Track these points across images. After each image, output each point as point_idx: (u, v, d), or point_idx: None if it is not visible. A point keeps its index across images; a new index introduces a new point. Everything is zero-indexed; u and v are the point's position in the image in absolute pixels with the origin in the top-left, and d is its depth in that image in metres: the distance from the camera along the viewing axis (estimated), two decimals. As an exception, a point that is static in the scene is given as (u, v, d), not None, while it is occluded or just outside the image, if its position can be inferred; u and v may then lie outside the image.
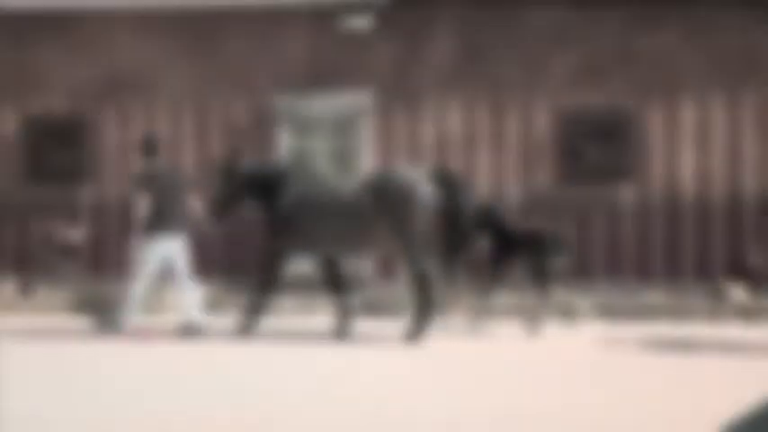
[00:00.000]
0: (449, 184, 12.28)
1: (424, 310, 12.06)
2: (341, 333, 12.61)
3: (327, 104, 17.08)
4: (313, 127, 17.10)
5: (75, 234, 14.16)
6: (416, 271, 12.04)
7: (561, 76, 16.70)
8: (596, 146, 16.54)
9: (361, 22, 17.00)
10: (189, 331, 12.68)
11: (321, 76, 17.07)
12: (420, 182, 12.19)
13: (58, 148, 17.33)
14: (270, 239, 12.83)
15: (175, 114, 17.28)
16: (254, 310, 12.75)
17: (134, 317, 12.74)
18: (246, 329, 12.70)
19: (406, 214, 12.05)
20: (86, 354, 11.14)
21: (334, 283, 12.84)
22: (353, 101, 17.05)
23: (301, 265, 14.93)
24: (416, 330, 12.10)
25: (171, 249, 12.70)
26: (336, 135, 17.09)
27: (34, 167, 17.30)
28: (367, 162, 16.92)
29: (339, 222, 12.32)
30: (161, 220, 12.57)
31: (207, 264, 16.70)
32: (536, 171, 16.75)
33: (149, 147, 12.87)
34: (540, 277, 12.93)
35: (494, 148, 16.86)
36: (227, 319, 14.11)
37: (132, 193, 12.73)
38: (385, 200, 12.14)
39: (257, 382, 9.17)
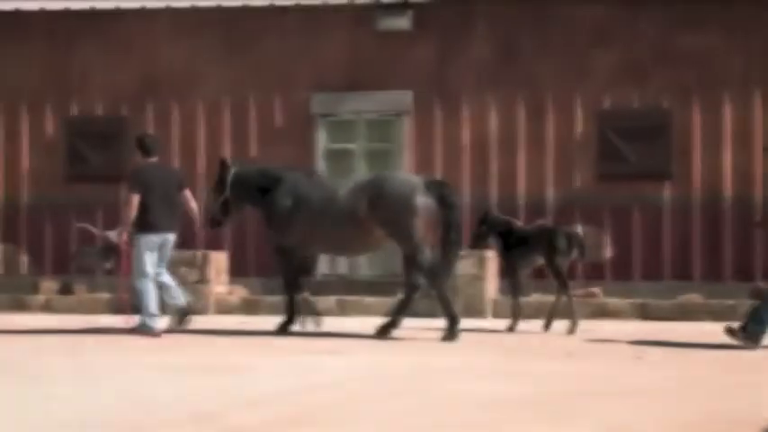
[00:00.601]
0: (442, 192, 12.35)
1: (448, 309, 12.22)
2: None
3: (366, 104, 17.05)
4: (351, 127, 17.07)
5: (116, 234, 14.28)
6: (427, 271, 12.22)
7: (601, 75, 16.59)
8: (636, 146, 16.42)
9: (399, 22, 16.97)
10: (183, 315, 12.77)
11: (360, 76, 17.05)
12: (418, 186, 12.32)
13: (98, 149, 17.41)
14: (270, 243, 13.07)
15: (213, 114, 17.31)
16: (288, 310, 12.91)
17: (155, 315, 12.74)
18: (283, 330, 12.86)
19: (407, 216, 12.18)
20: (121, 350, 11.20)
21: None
22: (392, 101, 17.01)
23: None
24: (451, 330, 12.19)
25: (161, 246, 12.72)
26: (374, 135, 17.05)
27: (75, 168, 17.37)
28: (405, 163, 16.87)
29: (335, 225, 12.43)
30: (154, 219, 12.61)
31: (242, 265, 16.73)
32: (575, 171, 16.66)
33: (145, 146, 12.91)
34: (556, 275, 12.95)
35: (533, 148, 16.77)
36: (260, 320, 14.14)
37: (126, 192, 12.94)
38: (381, 202, 12.26)
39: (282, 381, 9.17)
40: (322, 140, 17.07)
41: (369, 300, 15.71)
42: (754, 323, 11.47)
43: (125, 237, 12.73)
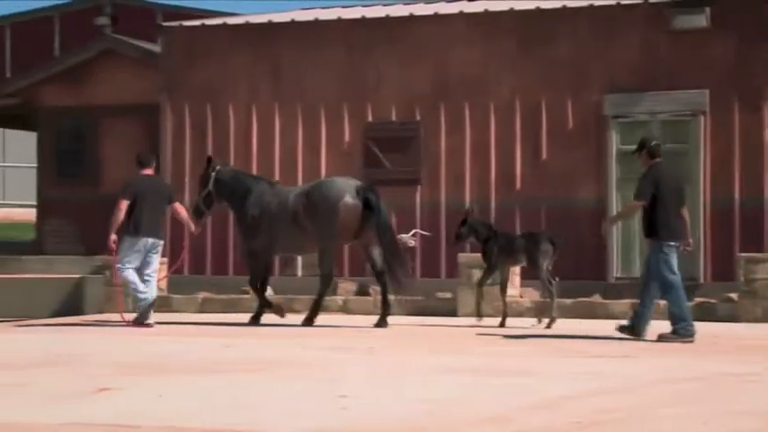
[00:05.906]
0: (367, 197, 13.70)
1: (317, 303, 14.14)
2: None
3: (660, 105, 16.71)
4: (645, 128, 16.72)
5: (411, 239, 14.76)
6: (324, 270, 14.01)
7: None
8: None
9: (696, 20, 16.56)
10: (137, 321, 13.96)
11: (654, 76, 16.73)
12: (348, 190, 13.81)
13: (393, 153, 17.70)
14: (242, 242, 14.80)
15: (506, 117, 17.33)
16: (260, 305, 14.51)
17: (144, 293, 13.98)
18: (254, 322, 14.35)
19: (330, 216, 13.77)
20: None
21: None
22: (687, 100, 16.61)
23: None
24: (309, 317, 14.05)
25: (148, 249, 14.02)
26: (669, 136, 16.65)
27: (372, 172, 17.64)
28: (701, 163, 16.44)
29: (286, 227, 14.10)
30: (139, 223, 13.95)
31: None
32: None
33: (139, 160, 14.49)
34: (540, 276, 13.87)
35: (838, 148, 16.05)
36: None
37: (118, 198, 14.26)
38: (314, 207, 13.89)
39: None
40: (615, 142, 16.84)
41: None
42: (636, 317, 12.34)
43: (113, 237, 14.03)
